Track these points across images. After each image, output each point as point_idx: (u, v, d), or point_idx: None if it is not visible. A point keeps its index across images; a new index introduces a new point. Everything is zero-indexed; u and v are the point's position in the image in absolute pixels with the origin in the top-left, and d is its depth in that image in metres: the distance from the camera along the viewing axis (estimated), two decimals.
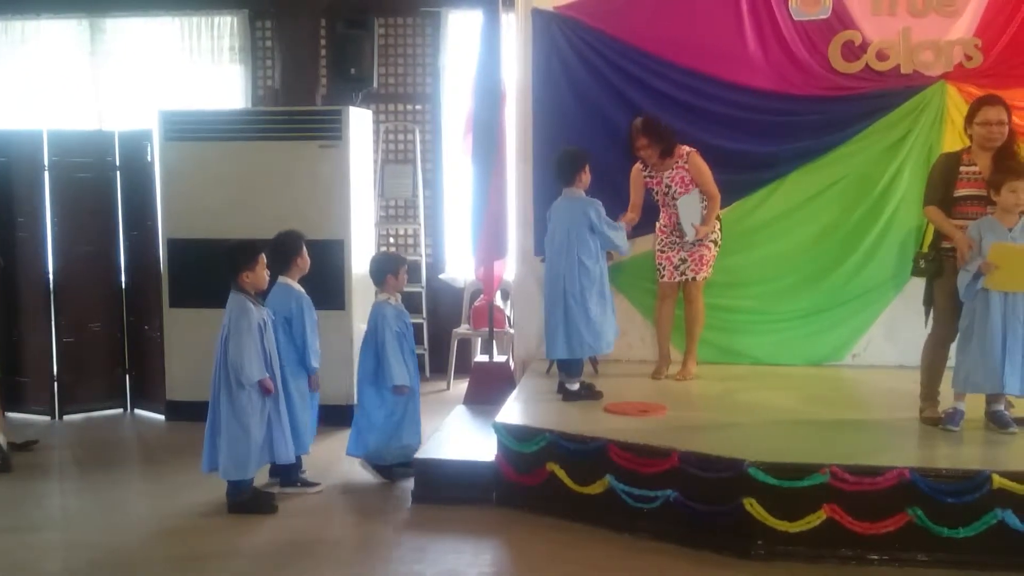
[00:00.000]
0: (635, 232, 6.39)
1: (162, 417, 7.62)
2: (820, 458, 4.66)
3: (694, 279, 6.51)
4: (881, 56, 6.82)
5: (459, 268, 9.11)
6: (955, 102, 6.71)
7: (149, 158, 7.54)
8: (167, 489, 5.89)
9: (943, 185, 5.41)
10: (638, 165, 6.59)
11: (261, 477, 5.64)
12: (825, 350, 7.09)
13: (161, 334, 7.54)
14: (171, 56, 9.36)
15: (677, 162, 6.46)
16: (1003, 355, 5.08)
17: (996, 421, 5.21)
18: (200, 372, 5.93)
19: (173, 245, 7.45)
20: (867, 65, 6.84)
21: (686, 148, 6.48)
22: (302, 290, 5.78)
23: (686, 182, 6.44)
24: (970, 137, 5.49)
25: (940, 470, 4.53)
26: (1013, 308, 5.08)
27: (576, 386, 6.08)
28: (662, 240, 6.60)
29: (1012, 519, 4.39)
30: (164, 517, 5.40)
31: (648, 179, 6.55)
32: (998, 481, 4.40)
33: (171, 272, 7.47)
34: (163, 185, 7.48)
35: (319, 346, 5.80)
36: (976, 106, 5.45)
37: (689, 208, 6.36)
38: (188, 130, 7.45)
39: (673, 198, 6.45)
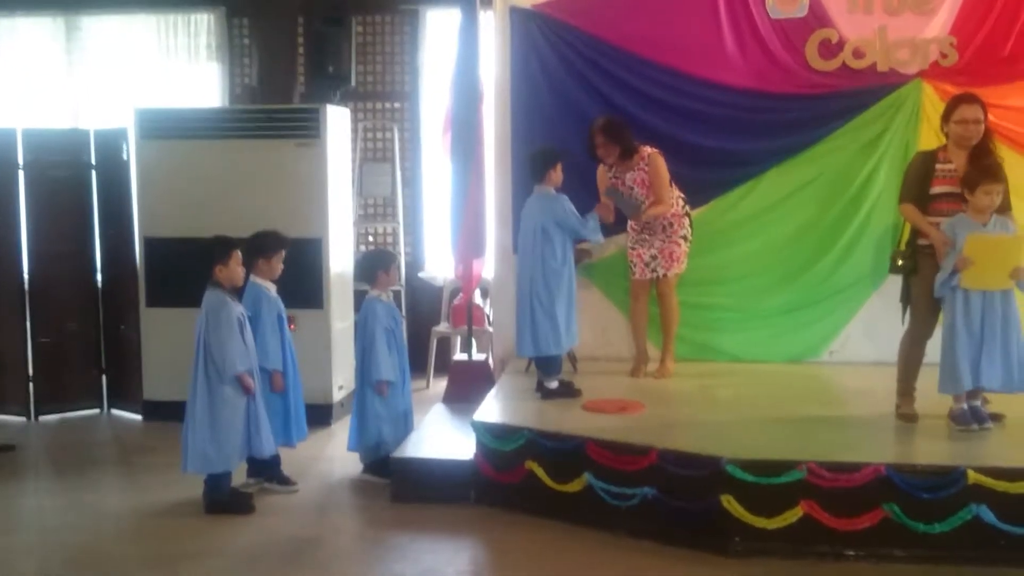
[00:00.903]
0: (608, 231, 6.35)
1: (139, 417, 7.57)
2: (797, 455, 4.68)
3: (665, 275, 6.50)
4: (858, 54, 6.85)
5: (438, 266, 9.10)
6: (931, 100, 6.75)
7: (125, 157, 7.50)
8: (144, 489, 5.86)
9: (919, 183, 5.44)
10: (603, 166, 6.58)
11: (239, 476, 5.61)
12: (803, 347, 7.12)
13: (138, 333, 7.50)
14: (147, 54, 9.30)
15: (639, 163, 6.44)
16: (980, 351, 5.11)
17: (974, 416, 5.23)
18: (178, 371, 5.91)
19: (150, 244, 7.41)
20: (844, 63, 6.86)
21: (648, 150, 6.45)
22: (263, 288, 5.75)
23: (646, 184, 6.43)
24: (946, 135, 5.50)
25: (916, 466, 4.56)
26: (991, 303, 5.11)
27: (555, 384, 6.08)
28: (633, 237, 6.62)
29: (987, 514, 4.42)
30: (141, 517, 5.38)
31: (612, 179, 6.54)
32: (973, 477, 4.43)
33: (148, 271, 7.43)
34: (139, 184, 7.43)
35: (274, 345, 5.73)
36: (953, 104, 5.47)
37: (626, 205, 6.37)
38: (165, 128, 7.40)
39: (637, 198, 6.45)
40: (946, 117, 5.48)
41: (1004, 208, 5.30)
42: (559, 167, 6.08)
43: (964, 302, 5.14)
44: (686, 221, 6.55)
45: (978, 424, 5.19)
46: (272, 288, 5.81)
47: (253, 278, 5.71)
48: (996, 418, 5.28)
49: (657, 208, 6.39)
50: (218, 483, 5.41)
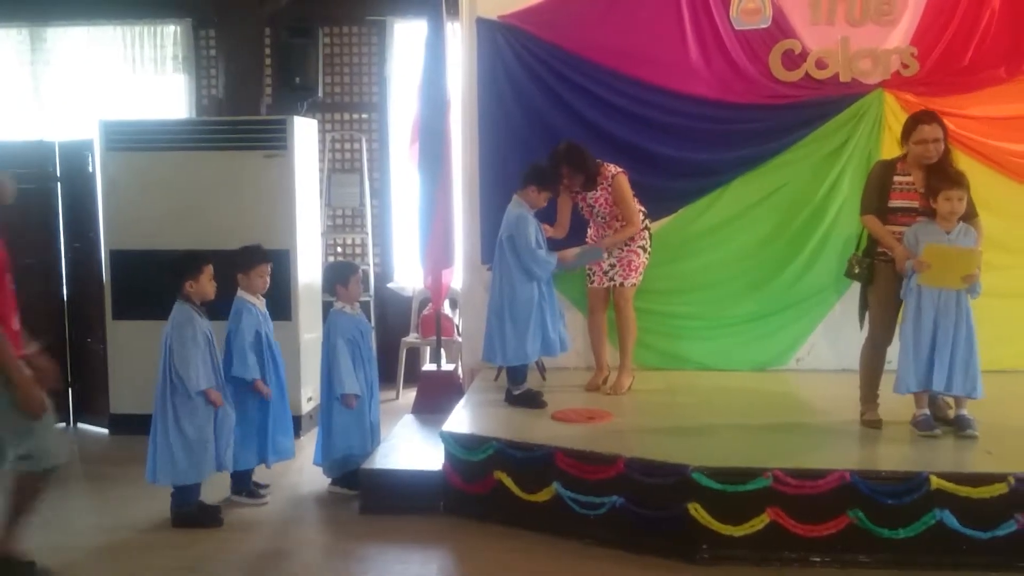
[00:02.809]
0: (565, 244, 6.34)
1: (106, 431, 7.51)
2: (763, 462, 4.72)
3: (622, 284, 6.47)
4: (820, 64, 6.92)
5: (407, 277, 9.09)
6: (893, 109, 6.85)
7: (91, 169, 7.45)
8: (111, 504, 5.82)
9: (878, 193, 5.50)
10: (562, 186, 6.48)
11: (219, 491, 5.59)
12: (769, 355, 7.18)
13: (104, 347, 7.44)
14: (113, 65, 9.24)
15: (602, 183, 6.41)
16: (932, 353, 5.17)
17: (928, 424, 5.30)
18: (145, 385, 5.87)
19: (116, 256, 7.36)
20: (807, 73, 6.94)
21: (612, 170, 6.41)
22: (244, 301, 5.74)
23: (609, 203, 6.42)
24: (905, 153, 5.54)
25: (880, 472, 4.62)
26: (945, 308, 5.18)
27: (519, 391, 6.11)
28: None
29: (950, 519, 4.47)
30: (108, 532, 5.33)
31: (573, 194, 6.51)
32: (936, 482, 4.48)
33: (114, 284, 7.39)
34: (105, 196, 7.39)
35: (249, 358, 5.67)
36: (912, 124, 5.48)
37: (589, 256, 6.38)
38: (130, 140, 7.36)
39: (598, 215, 6.46)
40: (905, 136, 5.50)
41: (970, 215, 5.35)
42: (543, 194, 6.05)
43: (917, 305, 5.21)
44: (646, 233, 6.52)
45: (929, 430, 5.26)
46: (258, 303, 5.79)
47: (239, 292, 5.73)
48: (949, 423, 5.34)
49: (628, 230, 6.38)
50: (186, 496, 5.39)
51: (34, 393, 4.38)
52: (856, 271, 5.59)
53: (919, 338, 5.20)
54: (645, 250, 6.53)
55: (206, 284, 5.43)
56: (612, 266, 6.49)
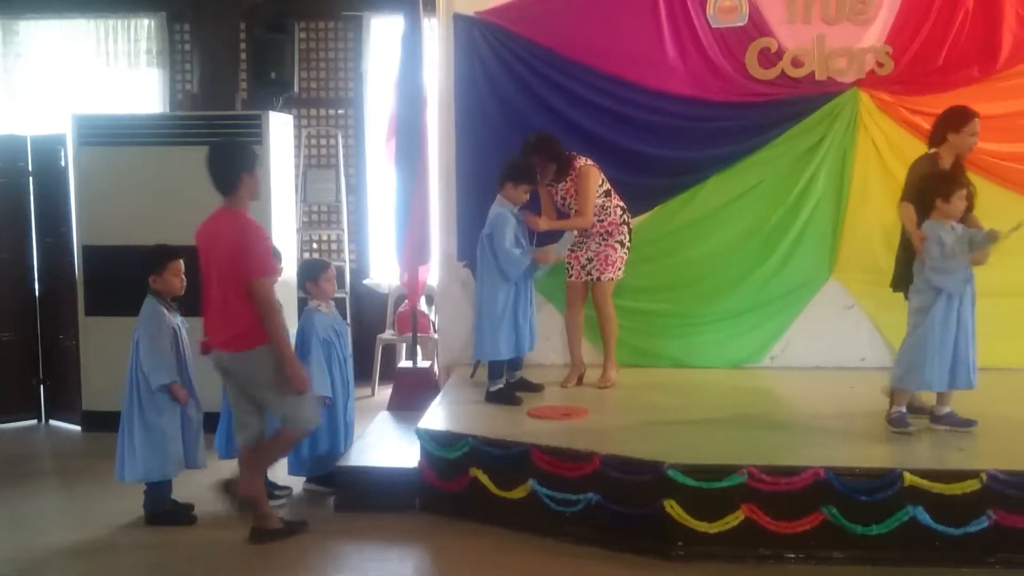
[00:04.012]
0: (550, 239, 6.33)
1: (78, 428, 7.46)
2: (738, 459, 4.72)
3: (599, 279, 6.44)
4: (796, 63, 6.95)
5: (383, 273, 9.07)
6: (868, 108, 6.90)
7: (63, 163, 7.39)
8: (83, 502, 5.77)
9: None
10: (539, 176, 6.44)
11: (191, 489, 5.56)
12: (744, 352, 7.20)
13: (77, 343, 7.38)
14: (87, 59, 9.16)
15: (571, 174, 6.39)
16: (955, 351, 5.15)
17: (903, 422, 5.32)
18: (118, 381, 5.80)
19: (89, 252, 7.30)
20: (783, 72, 6.97)
21: (582, 162, 6.37)
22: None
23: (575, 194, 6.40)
24: (942, 143, 5.53)
25: (853, 469, 4.62)
26: (963, 307, 5.14)
27: (495, 388, 6.11)
28: (573, 241, 6.57)
29: (923, 515, 4.49)
30: (79, 531, 5.28)
31: (548, 186, 6.50)
32: (909, 479, 4.50)
33: (87, 280, 7.33)
34: (78, 191, 7.33)
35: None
36: (966, 115, 5.49)
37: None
38: (104, 135, 7.31)
39: (568, 207, 6.45)
40: (956, 126, 5.49)
41: (968, 211, 5.35)
42: (522, 187, 6.00)
43: (948, 303, 5.13)
44: (624, 229, 6.49)
45: (904, 427, 5.26)
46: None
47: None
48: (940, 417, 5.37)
49: (576, 220, 6.34)
50: (159, 493, 5.35)
51: (301, 372, 4.88)
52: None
53: (946, 336, 5.14)
54: (623, 245, 6.49)
55: (170, 279, 5.36)
56: (590, 260, 6.47)
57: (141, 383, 5.29)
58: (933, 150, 5.62)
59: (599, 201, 6.37)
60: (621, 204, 6.49)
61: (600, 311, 6.54)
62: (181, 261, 5.41)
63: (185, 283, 5.43)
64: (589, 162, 6.40)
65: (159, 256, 5.39)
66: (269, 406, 5.01)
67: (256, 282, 4.76)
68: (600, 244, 6.44)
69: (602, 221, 6.41)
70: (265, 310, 4.76)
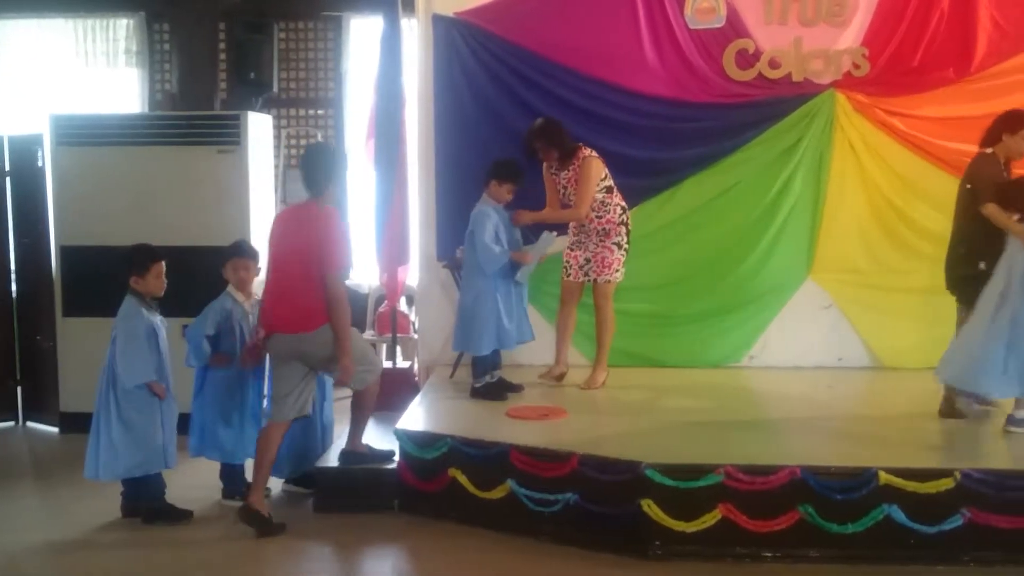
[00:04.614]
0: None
1: (56, 430, 7.42)
2: (715, 458, 4.75)
3: (595, 281, 6.45)
4: (773, 64, 6.99)
5: (363, 274, 9.04)
6: (844, 109, 6.95)
7: (40, 163, 7.35)
8: (61, 504, 5.75)
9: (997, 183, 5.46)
10: (545, 164, 6.53)
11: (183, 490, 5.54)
12: (723, 352, 7.24)
13: (54, 344, 7.34)
14: (64, 59, 9.13)
15: (575, 163, 6.39)
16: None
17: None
18: (95, 383, 5.79)
19: (66, 253, 7.27)
20: (760, 73, 7.01)
21: (586, 152, 6.37)
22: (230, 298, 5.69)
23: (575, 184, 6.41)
24: (998, 143, 5.58)
25: (829, 468, 4.65)
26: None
27: (479, 384, 6.15)
28: (571, 239, 6.55)
29: (898, 514, 4.53)
30: (57, 533, 5.25)
31: (553, 176, 6.55)
32: (884, 477, 4.53)
33: (64, 280, 7.29)
34: (55, 191, 7.29)
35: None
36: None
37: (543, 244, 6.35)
38: (81, 134, 7.27)
39: (569, 197, 6.47)
40: (1012, 129, 5.55)
41: None
42: (506, 186, 6.07)
43: (1021, 303, 5.09)
44: (623, 230, 6.44)
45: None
46: (243, 301, 5.69)
47: (228, 289, 5.66)
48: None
49: (569, 212, 6.38)
50: (150, 490, 5.35)
51: (352, 366, 5.13)
52: (980, 267, 5.42)
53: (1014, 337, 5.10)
54: (620, 247, 6.43)
55: (152, 281, 5.34)
56: (587, 261, 6.45)
57: (118, 382, 5.27)
58: (990, 150, 5.65)
59: (599, 196, 6.36)
60: (622, 204, 6.45)
61: (599, 312, 6.52)
62: (163, 263, 5.40)
63: (166, 285, 5.42)
64: (594, 154, 6.38)
65: (143, 258, 5.37)
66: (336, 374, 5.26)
67: (332, 274, 5.03)
68: (598, 245, 6.43)
69: (600, 218, 6.39)
70: (335, 300, 5.02)
